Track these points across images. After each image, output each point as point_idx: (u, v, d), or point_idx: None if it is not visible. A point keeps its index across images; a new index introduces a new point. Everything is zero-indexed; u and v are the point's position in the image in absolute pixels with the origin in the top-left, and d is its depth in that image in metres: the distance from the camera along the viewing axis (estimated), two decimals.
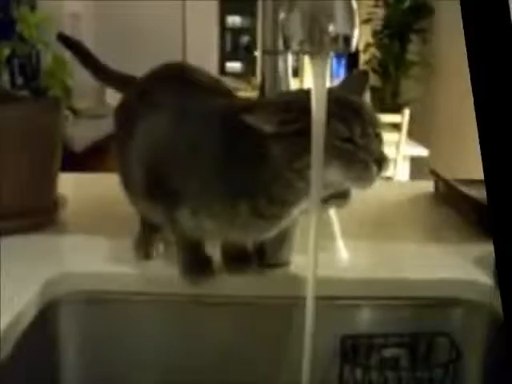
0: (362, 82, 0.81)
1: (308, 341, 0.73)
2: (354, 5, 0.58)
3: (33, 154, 1.04)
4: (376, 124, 0.73)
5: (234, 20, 8.75)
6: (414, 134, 3.74)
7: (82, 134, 5.82)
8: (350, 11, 0.58)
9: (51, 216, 1.10)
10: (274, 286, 0.92)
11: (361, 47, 5.10)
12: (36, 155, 1.05)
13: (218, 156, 0.79)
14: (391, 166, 3.30)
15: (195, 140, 0.82)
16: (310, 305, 0.72)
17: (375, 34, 5.20)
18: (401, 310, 0.93)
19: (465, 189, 1.26)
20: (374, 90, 4.67)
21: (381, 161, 0.71)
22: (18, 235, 1.02)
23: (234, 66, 8.73)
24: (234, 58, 8.76)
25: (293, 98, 0.79)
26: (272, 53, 0.88)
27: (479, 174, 1.43)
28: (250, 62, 8.48)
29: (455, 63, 4.53)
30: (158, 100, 0.90)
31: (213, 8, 8.13)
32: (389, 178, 3.28)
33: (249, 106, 0.74)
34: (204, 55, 7.13)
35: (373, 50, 5.27)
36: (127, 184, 0.96)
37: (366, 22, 4.97)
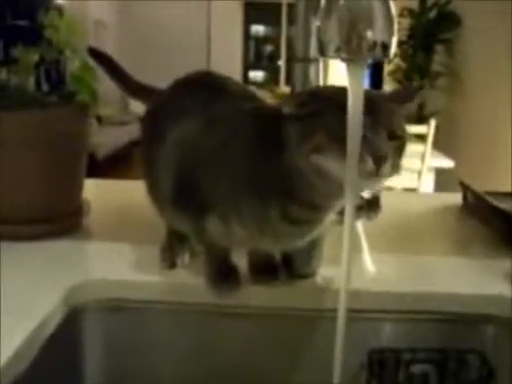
0: (408, 94, 0.78)
1: (338, 354, 0.71)
2: (394, 12, 0.57)
3: (59, 159, 1.04)
4: (394, 128, 0.69)
5: (257, 29, 8.79)
6: (439, 145, 3.71)
7: (105, 140, 5.88)
8: (389, 18, 0.57)
9: (77, 221, 1.10)
10: (302, 298, 0.91)
11: None
12: (62, 160, 1.05)
13: (247, 159, 0.78)
14: (416, 176, 3.28)
15: (224, 144, 0.81)
16: (341, 317, 0.70)
17: (400, 44, 5.16)
18: (429, 325, 0.91)
19: (494, 201, 1.24)
20: None
21: (381, 159, 0.66)
22: (43, 240, 1.02)
23: (257, 74, 8.76)
24: (256, 67, 8.81)
25: (319, 89, 0.79)
26: (303, 60, 0.87)
27: (506, 187, 1.41)
28: (272, 71, 8.51)
29: (481, 74, 4.50)
30: (186, 107, 0.90)
31: (237, 17, 8.18)
32: (413, 190, 3.26)
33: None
34: (228, 64, 7.17)
35: (397, 60, 5.24)
36: (154, 192, 0.96)
37: None
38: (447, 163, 3.60)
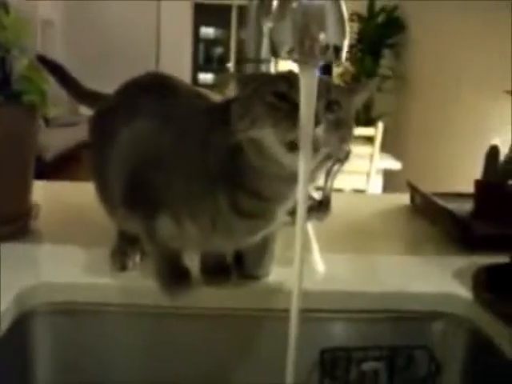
0: (362, 87, 0.78)
1: (291, 354, 0.72)
2: (346, 15, 0.58)
3: (7, 161, 1.02)
4: (330, 100, 0.69)
5: (207, 31, 8.78)
6: (387, 147, 3.77)
7: (53, 142, 5.77)
8: (341, 21, 0.58)
9: (26, 224, 1.08)
10: (254, 299, 0.91)
11: None
12: (10, 162, 1.03)
13: (197, 154, 0.78)
14: (364, 178, 3.32)
15: (175, 143, 0.80)
16: (294, 317, 0.70)
17: (349, 48, 5.22)
18: (380, 323, 0.93)
19: (441, 202, 1.27)
20: None
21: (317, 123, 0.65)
22: None
23: (207, 77, 8.74)
24: (206, 69, 8.79)
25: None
26: (254, 61, 0.87)
27: (452, 188, 1.44)
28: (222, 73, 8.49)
29: (427, 77, 4.60)
30: (137, 108, 0.89)
31: (187, 19, 8.14)
32: (362, 191, 3.30)
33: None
34: (177, 66, 7.12)
35: (346, 63, 5.30)
36: (104, 193, 0.95)
37: None
38: (395, 165, 3.66)
